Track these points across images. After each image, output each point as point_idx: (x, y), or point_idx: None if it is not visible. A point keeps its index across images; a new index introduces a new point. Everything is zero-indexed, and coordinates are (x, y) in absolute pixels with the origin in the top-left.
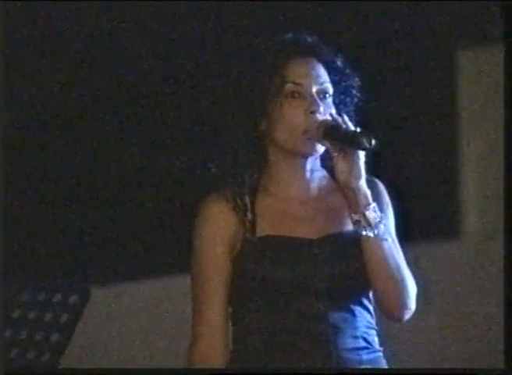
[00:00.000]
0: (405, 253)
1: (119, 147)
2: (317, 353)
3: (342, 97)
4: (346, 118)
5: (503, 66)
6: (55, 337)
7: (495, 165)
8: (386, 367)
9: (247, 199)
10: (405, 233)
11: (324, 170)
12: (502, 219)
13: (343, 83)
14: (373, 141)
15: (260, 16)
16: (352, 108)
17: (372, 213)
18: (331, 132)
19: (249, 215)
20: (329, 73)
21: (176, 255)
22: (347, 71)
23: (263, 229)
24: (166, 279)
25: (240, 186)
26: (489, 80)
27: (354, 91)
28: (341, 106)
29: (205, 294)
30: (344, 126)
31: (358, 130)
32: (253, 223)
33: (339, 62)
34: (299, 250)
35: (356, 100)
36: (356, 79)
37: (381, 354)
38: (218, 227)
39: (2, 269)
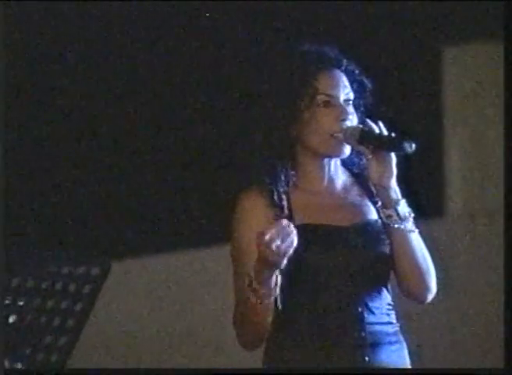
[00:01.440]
0: None
1: (160, 137)
2: (352, 326)
3: (359, 101)
4: (381, 124)
5: (503, 60)
6: (79, 306)
7: (478, 149)
8: (403, 341)
9: (283, 196)
10: None
11: (344, 169)
12: (485, 201)
13: (360, 90)
14: (413, 145)
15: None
16: (363, 109)
17: (403, 208)
18: (367, 137)
19: (285, 210)
20: (350, 82)
21: (195, 231)
22: (363, 78)
23: (299, 219)
24: (183, 254)
25: (275, 184)
26: (474, 73)
27: (368, 95)
28: (359, 110)
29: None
30: (378, 131)
31: (393, 134)
32: (290, 216)
33: (356, 71)
34: (336, 236)
35: (369, 103)
36: (369, 85)
37: (398, 328)
38: (256, 221)
39: (32, 243)
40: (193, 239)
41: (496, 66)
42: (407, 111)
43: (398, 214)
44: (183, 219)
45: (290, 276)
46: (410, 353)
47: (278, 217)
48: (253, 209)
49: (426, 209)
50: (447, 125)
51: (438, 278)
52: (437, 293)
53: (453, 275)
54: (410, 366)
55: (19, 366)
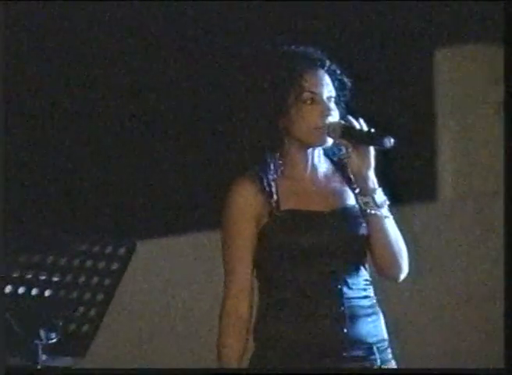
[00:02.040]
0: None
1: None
2: (332, 301)
3: (340, 98)
4: (361, 120)
5: (503, 59)
6: (107, 282)
7: (468, 137)
8: (380, 312)
9: (272, 183)
10: (388, 198)
11: (326, 158)
12: (475, 184)
13: (341, 88)
14: (392, 141)
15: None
16: (343, 105)
17: (379, 196)
18: (348, 132)
19: (274, 196)
20: (332, 81)
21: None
22: (343, 77)
23: (285, 204)
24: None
25: (265, 172)
26: (463, 74)
27: (348, 93)
28: (340, 106)
29: (235, 260)
30: (358, 126)
31: (373, 130)
32: (277, 202)
33: (338, 71)
34: (316, 220)
35: (348, 99)
36: (349, 83)
37: (375, 301)
38: (247, 205)
39: (64, 224)
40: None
41: (484, 64)
42: (402, 105)
43: (375, 201)
44: (196, 203)
45: (277, 256)
46: (386, 324)
47: (267, 200)
48: (245, 195)
49: (420, 194)
50: (439, 118)
51: (430, 262)
52: (435, 288)
53: (447, 260)
54: (386, 335)
55: (53, 336)
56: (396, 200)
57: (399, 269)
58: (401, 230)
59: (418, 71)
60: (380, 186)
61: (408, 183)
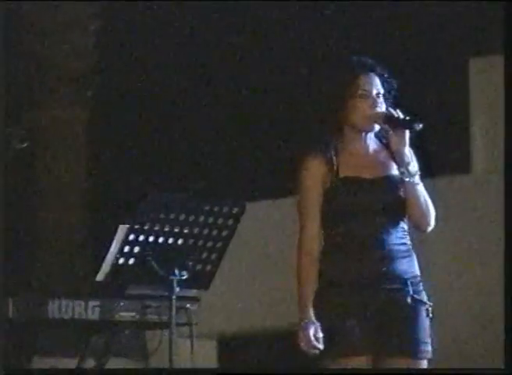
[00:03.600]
0: (425, 186)
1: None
2: (376, 247)
3: (387, 94)
4: (399, 111)
5: (504, 68)
6: (224, 234)
7: (499, 115)
8: (414, 255)
9: (333, 157)
10: (426, 170)
11: (376, 138)
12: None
13: (388, 86)
14: (420, 125)
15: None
16: (391, 99)
17: (412, 168)
18: (389, 119)
19: (334, 167)
20: (381, 81)
21: None
22: (390, 78)
23: (342, 173)
24: None
25: (327, 149)
26: (493, 78)
27: (394, 90)
28: (387, 100)
29: (308, 213)
30: (396, 115)
31: (407, 117)
32: (336, 171)
33: (385, 74)
34: (365, 185)
35: (395, 95)
36: (394, 82)
37: (411, 247)
38: (314, 174)
39: (191, 190)
40: None
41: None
42: (441, 91)
43: (409, 171)
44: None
45: (335, 211)
46: (419, 265)
47: (329, 170)
48: (312, 166)
49: (455, 166)
50: (473, 100)
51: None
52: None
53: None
54: (418, 272)
55: (184, 273)
56: (433, 172)
57: (428, 223)
58: (438, 199)
59: (455, 71)
60: (419, 160)
61: (443, 156)
